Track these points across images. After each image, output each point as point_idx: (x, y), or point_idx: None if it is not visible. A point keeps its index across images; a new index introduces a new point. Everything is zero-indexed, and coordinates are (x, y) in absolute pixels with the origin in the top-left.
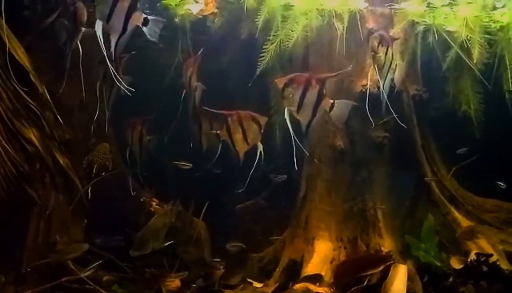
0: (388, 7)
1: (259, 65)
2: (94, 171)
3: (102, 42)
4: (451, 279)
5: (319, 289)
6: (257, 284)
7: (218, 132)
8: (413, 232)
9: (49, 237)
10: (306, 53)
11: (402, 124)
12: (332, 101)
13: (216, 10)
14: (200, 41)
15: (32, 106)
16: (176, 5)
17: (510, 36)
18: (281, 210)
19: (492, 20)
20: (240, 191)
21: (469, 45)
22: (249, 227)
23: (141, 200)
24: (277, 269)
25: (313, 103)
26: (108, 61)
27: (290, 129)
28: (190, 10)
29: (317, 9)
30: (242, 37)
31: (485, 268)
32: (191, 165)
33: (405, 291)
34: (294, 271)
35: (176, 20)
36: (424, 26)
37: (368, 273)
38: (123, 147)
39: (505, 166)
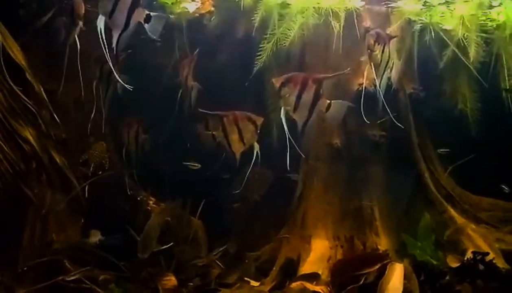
0: (385, 6)
1: (256, 63)
2: (90, 170)
3: (104, 38)
4: (447, 278)
5: (316, 288)
6: (254, 283)
7: (214, 133)
8: (409, 230)
9: (45, 236)
10: (303, 51)
11: (398, 124)
12: (328, 101)
13: (212, 9)
14: (197, 39)
15: (28, 105)
16: (172, 3)
17: (507, 34)
18: (278, 208)
19: (488, 18)
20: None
21: (465, 43)
22: (246, 225)
23: (138, 199)
24: (274, 268)
25: (309, 103)
26: (108, 57)
27: (286, 129)
28: (187, 8)
29: (313, 7)
30: (238, 36)
31: (481, 267)
32: (199, 165)
33: (401, 289)
34: (290, 270)
35: (173, 18)
36: (420, 24)
37: (364, 272)
38: (120, 146)
39: (501, 165)
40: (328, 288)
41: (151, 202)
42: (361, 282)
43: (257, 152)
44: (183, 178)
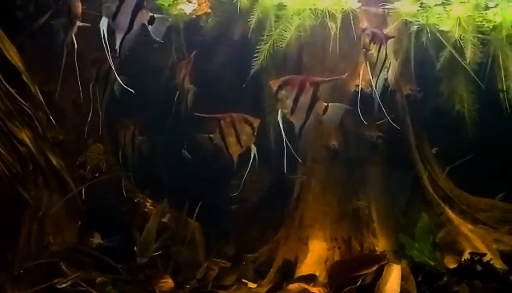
0: (381, 7)
1: (253, 65)
2: (87, 172)
3: (106, 40)
4: (445, 279)
5: (313, 289)
6: (251, 285)
7: (211, 135)
8: (407, 231)
9: (42, 239)
10: (300, 53)
11: (395, 125)
12: (326, 104)
13: (209, 10)
14: (194, 41)
15: (24, 107)
16: (169, 5)
17: (503, 35)
18: (276, 210)
19: (485, 19)
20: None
21: (462, 44)
22: (243, 227)
23: (135, 201)
24: (271, 269)
25: (307, 105)
26: (111, 59)
27: (283, 132)
28: (183, 10)
29: (310, 9)
30: (235, 37)
31: (479, 268)
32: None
33: (399, 291)
34: (288, 271)
35: (170, 20)
36: (417, 26)
37: (362, 273)
38: (117, 148)
39: (499, 166)
40: (326, 290)
41: (148, 204)
42: (359, 284)
43: (254, 154)
44: (180, 180)
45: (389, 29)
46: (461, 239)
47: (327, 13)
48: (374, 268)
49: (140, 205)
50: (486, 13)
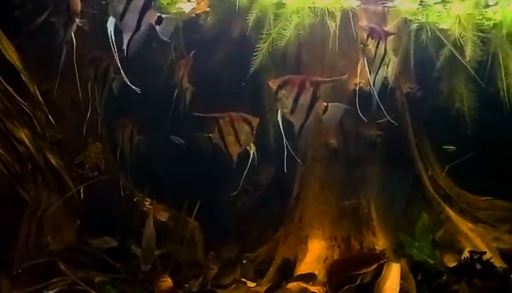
0: (381, 5)
1: (252, 64)
2: (86, 171)
3: (113, 40)
4: (444, 277)
5: (313, 288)
6: (251, 284)
7: (210, 135)
8: (406, 230)
9: (41, 238)
10: (299, 51)
11: (395, 123)
12: (325, 104)
13: (208, 9)
14: (193, 40)
15: (23, 106)
16: (168, 3)
17: (503, 33)
18: (275, 209)
19: (485, 18)
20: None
21: (462, 43)
22: (243, 226)
23: (134, 200)
24: (271, 268)
25: (306, 105)
26: (118, 59)
27: (282, 132)
28: (182, 8)
29: (309, 7)
30: (234, 36)
31: (478, 266)
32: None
33: (398, 289)
34: (287, 270)
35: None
36: (417, 24)
37: (361, 272)
38: (116, 147)
39: (498, 164)
40: (325, 289)
41: (147, 203)
42: (358, 282)
43: (253, 153)
44: (179, 179)
45: (389, 28)
46: (461, 238)
47: (326, 11)
48: (374, 266)
49: (139, 204)
50: (486, 11)
